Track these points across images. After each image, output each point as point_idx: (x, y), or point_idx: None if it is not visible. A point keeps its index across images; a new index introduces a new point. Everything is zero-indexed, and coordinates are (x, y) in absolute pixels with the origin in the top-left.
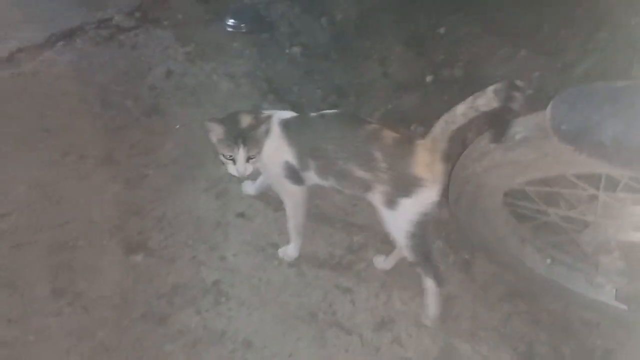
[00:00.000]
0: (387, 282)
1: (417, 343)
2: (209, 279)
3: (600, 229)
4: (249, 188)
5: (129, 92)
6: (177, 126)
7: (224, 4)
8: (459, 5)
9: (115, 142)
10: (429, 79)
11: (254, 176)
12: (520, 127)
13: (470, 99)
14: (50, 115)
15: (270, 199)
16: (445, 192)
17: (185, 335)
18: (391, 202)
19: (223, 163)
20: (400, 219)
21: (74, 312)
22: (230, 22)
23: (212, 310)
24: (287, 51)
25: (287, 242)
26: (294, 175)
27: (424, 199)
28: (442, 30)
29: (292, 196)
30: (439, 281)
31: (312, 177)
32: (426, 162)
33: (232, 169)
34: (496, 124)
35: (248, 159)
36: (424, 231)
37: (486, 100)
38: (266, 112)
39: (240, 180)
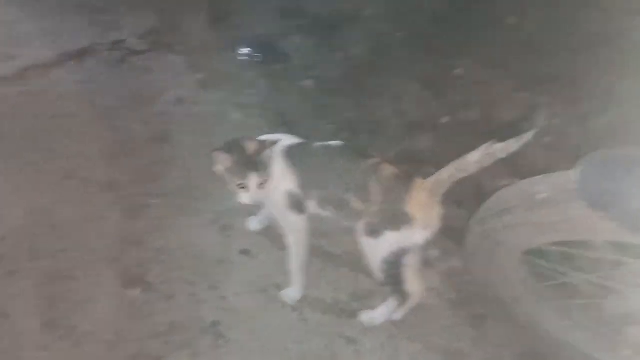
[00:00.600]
0: (394, 333)
1: None
2: (208, 319)
3: (628, 299)
4: (254, 223)
5: (136, 116)
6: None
7: (238, 32)
8: (477, 49)
9: (120, 168)
10: (444, 120)
11: (257, 210)
12: (543, 187)
13: (485, 146)
14: (55, 136)
15: (275, 237)
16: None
17: None
18: (375, 232)
19: (233, 192)
20: (381, 247)
21: (65, 346)
22: (244, 51)
23: (210, 353)
24: (300, 84)
25: (289, 282)
26: (298, 205)
27: (409, 236)
28: (459, 71)
29: (296, 228)
30: (402, 302)
31: (312, 206)
32: (422, 202)
33: (244, 197)
34: None
35: (259, 185)
36: (400, 260)
37: (506, 147)
38: (266, 138)
39: (247, 212)
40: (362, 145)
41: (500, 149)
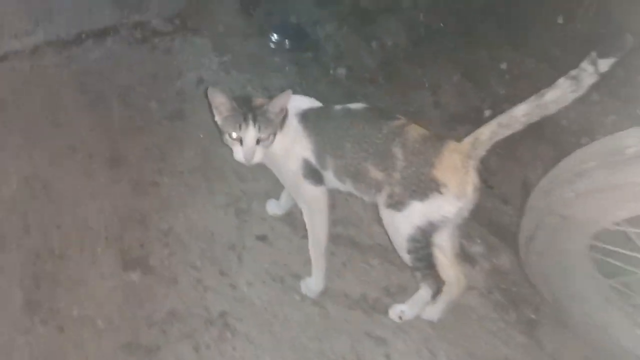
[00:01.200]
0: (430, 335)
1: None
2: (215, 309)
3: None
4: (274, 207)
5: (153, 94)
6: (201, 135)
7: (268, 19)
8: (523, 43)
9: (130, 144)
10: (487, 113)
11: (275, 191)
12: (633, 139)
13: (534, 97)
14: (64, 111)
15: (297, 222)
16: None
17: None
18: (398, 204)
19: (227, 144)
20: (405, 221)
21: (47, 331)
22: (274, 37)
23: (214, 347)
24: (331, 72)
25: (310, 272)
26: (314, 174)
27: (438, 207)
28: (503, 65)
29: (313, 202)
30: (435, 290)
31: (329, 177)
32: (454, 166)
33: (237, 152)
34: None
35: (258, 141)
36: (429, 237)
37: (560, 94)
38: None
39: (266, 195)
40: None
41: (553, 99)
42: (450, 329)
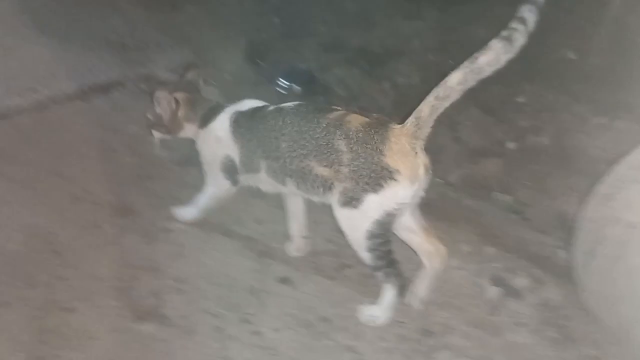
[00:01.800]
0: None
1: None
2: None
3: None
4: (295, 248)
5: (162, 142)
6: None
7: (276, 66)
8: (539, 77)
9: (139, 192)
10: (511, 145)
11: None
12: None
13: (467, 62)
14: (68, 161)
15: (322, 264)
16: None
17: None
18: (352, 200)
19: None
20: (362, 218)
21: None
22: (282, 83)
23: None
24: None
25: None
26: (231, 172)
27: (394, 195)
28: (521, 98)
29: (218, 188)
30: (402, 288)
31: (263, 179)
32: (403, 150)
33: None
34: None
35: (149, 124)
36: (388, 232)
37: (493, 56)
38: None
39: (285, 237)
40: None
41: (487, 62)
42: None
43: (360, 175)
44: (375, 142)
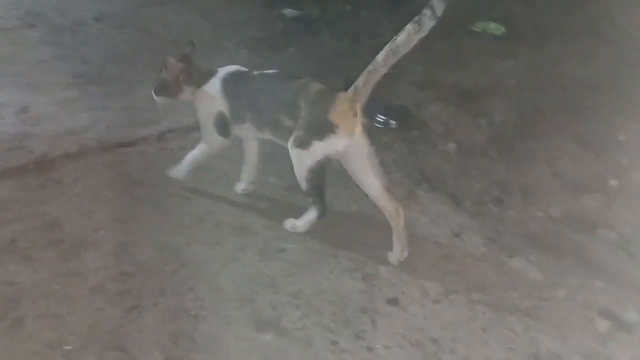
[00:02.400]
0: None
1: None
2: None
3: None
4: (240, 188)
5: (271, 170)
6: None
7: (371, 103)
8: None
9: (254, 214)
10: (614, 182)
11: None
12: None
13: (389, 43)
14: (189, 185)
15: (428, 287)
16: None
17: None
18: (303, 143)
19: None
20: (308, 156)
21: None
22: (379, 118)
23: None
24: (440, 148)
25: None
26: (223, 125)
27: (333, 144)
28: (622, 136)
29: (212, 144)
30: (322, 210)
31: (248, 129)
32: (344, 111)
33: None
34: None
35: (154, 89)
36: (323, 170)
37: (406, 37)
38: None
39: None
40: (518, 204)
41: (402, 41)
42: None
43: (311, 126)
44: (325, 104)
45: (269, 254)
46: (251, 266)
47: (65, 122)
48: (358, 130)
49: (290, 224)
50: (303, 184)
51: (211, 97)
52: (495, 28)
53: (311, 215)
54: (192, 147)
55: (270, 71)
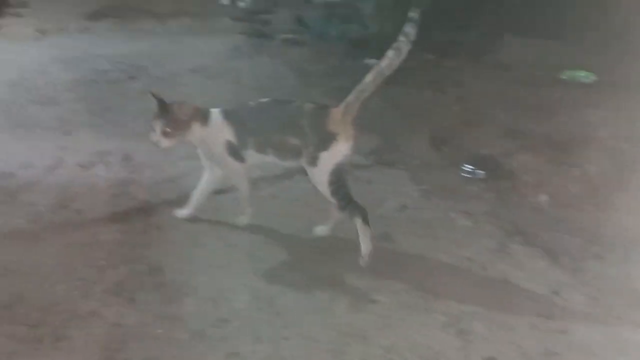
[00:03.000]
0: None
1: None
2: None
3: None
4: (183, 212)
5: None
6: (409, 258)
7: (459, 152)
8: None
9: (342, 264)
10: None
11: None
12: None
13: (375, 67)
14: (281, 231)
15: (526, 347)
16: None
17: None
18: (314, 159)
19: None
20: (322, 171)
21: None
22: (467, 168)
23: None
24: (531, 199)
25: None
26: (236, 152)
27: (338, 150)
28: None
29: (235, 173)
30: (363, 213)
31: (252, 155)
32: (339, 122)
33: (152, 136)
34: None
35: (164, 133)
36: (341, 178)
37: (388, 62)
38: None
39: (486, 317)
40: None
41: (386, 65)
42: None
43: (315, 142)
44: (321, 118)
45: (360, 305)
46: (342, 317)
47: (166, 169)
48: (352, 136)
49: (363, 255)
50: (332, 199)
51: (218, 129)
52: (584, 76)
53: (359, 227)
54: (284, 194)
55: (265, 99)
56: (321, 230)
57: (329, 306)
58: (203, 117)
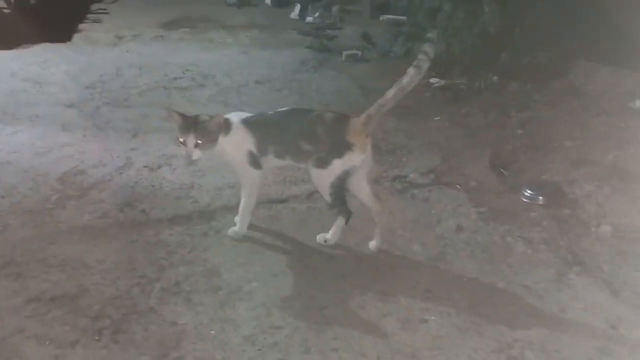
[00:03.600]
0: None
1: None
2: None
3: None
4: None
5: (415, 238)
6: (465, 279)
7: (520, 176)
8: None
9: (396, 282)
10: None
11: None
12: None
13: (396, 83)
14: (326, 246)
15: None
16: None
17: None
18: (324, 163)
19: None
20: (329, 174)
21: None
22: (527, 193)
23: None
24: (593, 229)
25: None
26: (255, 161)
27: (350, 160)
28: None
29: (251, 179)
30: (347, 217)
31: (270, 160)
32: (358, 133)
33: (182, 151)
34: None
35: (196, 145)
36: (343, 183)
37: (409, 78)
38: (227, 115)
39: (537, 346)
40: None
41: (407, 82)
42: None
43: (331, 147)
44: (341, 127)
45: (410, 324)
46: (392, 333)
47: (227, 176)
48: (368, 148)
49: (321, 238)
50: (327, 198)
51: (241, 139)
52: None
53: (339, 224)
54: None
55: (284, 109)
56: (373, 245)
57: (379, 321)
58: (227, 126)
